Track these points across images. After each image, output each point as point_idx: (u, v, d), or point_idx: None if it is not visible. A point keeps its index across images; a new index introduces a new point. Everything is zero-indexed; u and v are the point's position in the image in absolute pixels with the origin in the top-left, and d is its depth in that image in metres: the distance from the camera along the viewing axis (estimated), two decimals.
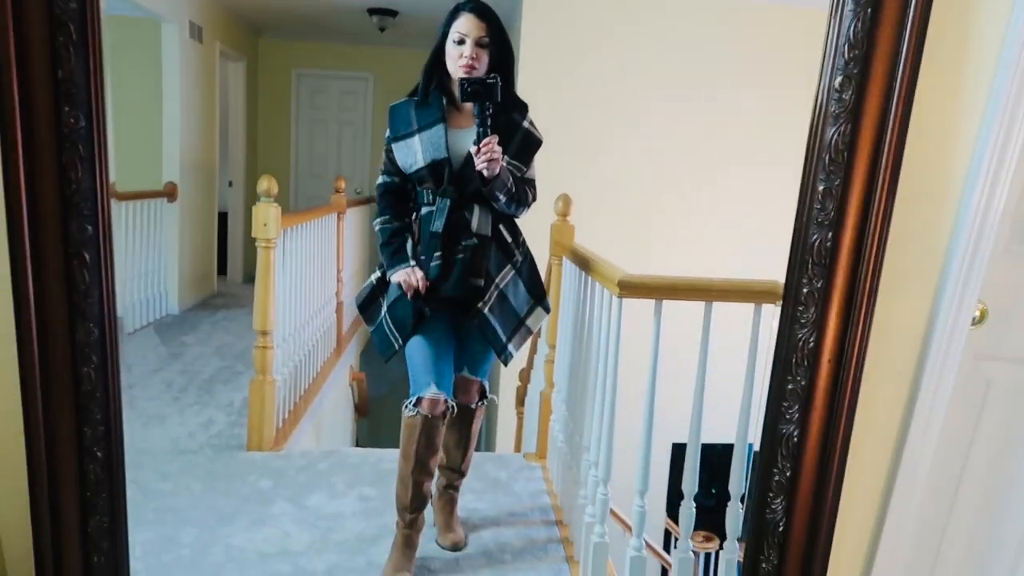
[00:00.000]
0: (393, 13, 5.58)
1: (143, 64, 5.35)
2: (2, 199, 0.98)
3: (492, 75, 1.83)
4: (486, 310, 1.99)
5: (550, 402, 2.97)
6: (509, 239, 2.03)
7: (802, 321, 1.00)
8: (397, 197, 2.04)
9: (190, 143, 5.36)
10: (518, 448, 3.89)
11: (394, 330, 2.02)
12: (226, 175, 6.65)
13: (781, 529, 1.09)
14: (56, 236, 0.95)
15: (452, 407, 2.00)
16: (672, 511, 3.47)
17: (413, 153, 1.94)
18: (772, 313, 1.86)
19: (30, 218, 0.95)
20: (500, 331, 2.02)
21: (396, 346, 2.01)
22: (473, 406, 2.18)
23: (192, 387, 3.75)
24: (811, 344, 1.01)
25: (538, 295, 2.12)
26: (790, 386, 1.03)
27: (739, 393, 1.91)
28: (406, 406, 1.98)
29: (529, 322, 2.10)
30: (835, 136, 0.95)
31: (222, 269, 6.59)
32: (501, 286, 2.02)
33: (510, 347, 2.06)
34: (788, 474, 1.07)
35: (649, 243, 4.65)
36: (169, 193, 5.10)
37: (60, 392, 0.99)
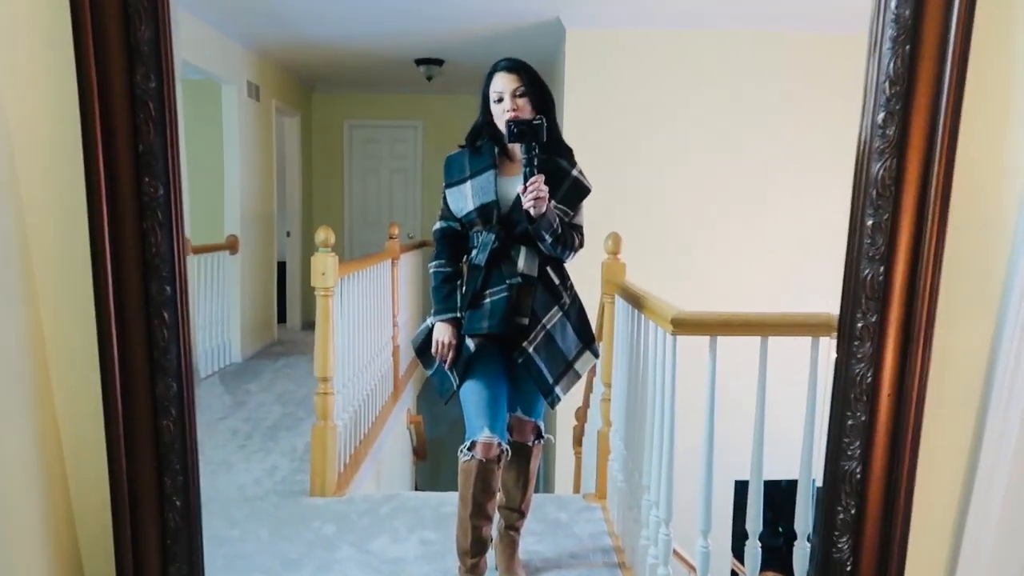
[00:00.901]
0: (439, 62, 5.75)
1: (205, 123, 5.61)
2: (89, 263, 1.05)
3: (538, 116, 1.89)
4: (531, 349, 2.01)
5: (608, 441, 2.95)
6: (556, 281, 2.06)
7: (858, 356, 1.00)
8: (453, 240, 2.10)
9: (250, 197, 5.56)
10: (577, 489, 3.86)
11: (454, 370, 2.06)
12: (284, 225, 6.86)
13: (849, 569, 1.07)
14: (138, 297, 1.02)
15: (506, 450, 2.01)
16: (737, 551, 3.39)
17: (464, 197, 2.01)
18: (829, 345, 1.85)
19: (114, 281, 1.02)
20: (546, 372, 2.04)
21: (454, 385, 2.05)
22: (529, 444, 2.19)
23: (256, 434, 3.85)
24: (869, 379, 1.00)
25: (587, 339, 2.13)
26: (850, 422, 1.02)
27: (800, 427, 1.88)
28: (461, 451, 2.01)
29: (578, 366, 2.11)
30: (881, 171, 0.96)
31: (282, 317, 6.76)
32: (548, 327, 2.04)
33: (557, 389, 2.07)
34: (853, 512, 1.06)
35: (698, 276, 4.62)
36: (231, 246, 5.28)
37: (142, 444, 1.05)
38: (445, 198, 2.08)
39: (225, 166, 5.28)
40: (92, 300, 1.06)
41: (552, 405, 2.09)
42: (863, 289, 0.98)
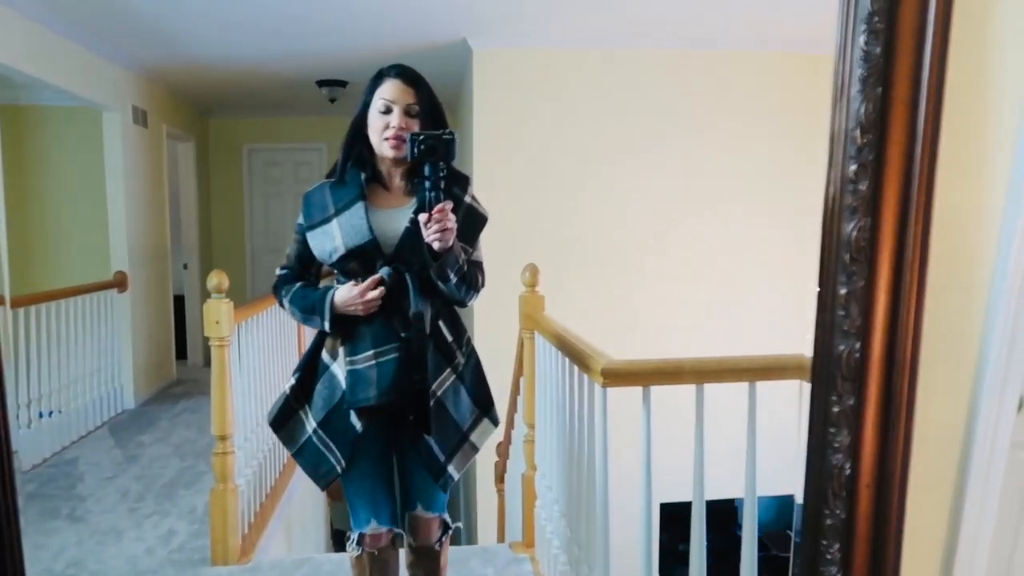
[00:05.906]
0: (343, 83, 5.50)
1: (86, 153, 5.19)
2: None
3: (448, 131, 1.57)
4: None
5: (533, 486, 2.78)
6: (450, 338, 1.73)
7: (835, 446, 0.86)
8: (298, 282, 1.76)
9: (139, 229, 5.16)
10: (502, 532, 3.67)
11: (334, 448, 1.70)
12: (180, 257, 6.43)
13: None
14: None
15: (399, 534, 1.82)
16: (662, 569, 3.26)
17: (331, 239, 1.64)
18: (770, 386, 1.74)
19: None
20: (437, 449, 1.71)
21: (340, 467, 1.70)
22: (437, 548, 1.88)
23: (150, 495, 3.49)
24: (848, 471, 0.86)
25: (484, 405, 1.81)
26: (829, 521, 0.87)
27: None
28: (349, 546, 1.80)
29: (474, 437, 1.78)
30: (854, 232, 0.82)
31: (181, 354, 6.33)
32: (439, 394, 1.70)
33: (450, 468, 1.73)
34: None
35: (617, 305, 4.52)
36: (119, 283, 4.88)
37: None
38: (300, 242, 1.73)
39: (108, 198, 4.89)
40: None
41: (444, 489, 1.75)
42: (838, 369, 0.84)
